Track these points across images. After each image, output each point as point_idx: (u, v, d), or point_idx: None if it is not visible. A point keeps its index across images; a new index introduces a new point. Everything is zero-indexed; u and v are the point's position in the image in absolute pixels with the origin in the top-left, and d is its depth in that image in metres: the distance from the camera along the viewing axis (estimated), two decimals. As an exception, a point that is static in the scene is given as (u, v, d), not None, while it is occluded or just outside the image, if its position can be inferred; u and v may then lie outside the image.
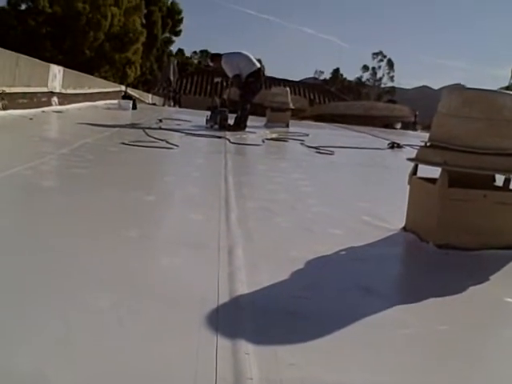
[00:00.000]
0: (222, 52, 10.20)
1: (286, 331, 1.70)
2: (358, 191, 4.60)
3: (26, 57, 9.50)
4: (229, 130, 9.47)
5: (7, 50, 8.67)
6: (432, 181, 2.86)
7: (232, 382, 1.35)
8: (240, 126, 10.08)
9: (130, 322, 1.64)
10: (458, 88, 3.01)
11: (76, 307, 1.71)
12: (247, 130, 9.96)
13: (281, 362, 1.47)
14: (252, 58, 10.21)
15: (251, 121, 10.68)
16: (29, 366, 1.33)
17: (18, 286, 1.84)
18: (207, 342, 1.54)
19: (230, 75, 10.05)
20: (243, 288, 1.99)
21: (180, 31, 40.04)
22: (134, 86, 28.33)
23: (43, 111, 9.21)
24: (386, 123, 20.17)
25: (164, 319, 1.70)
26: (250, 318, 1.76)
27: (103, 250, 2.32)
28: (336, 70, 71.76)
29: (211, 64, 10.58)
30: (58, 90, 10.75)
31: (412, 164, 3.07)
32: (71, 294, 1.82)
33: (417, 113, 23.92)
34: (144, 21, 32.09)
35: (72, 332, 1.54)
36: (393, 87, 68.62)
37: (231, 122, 10.05)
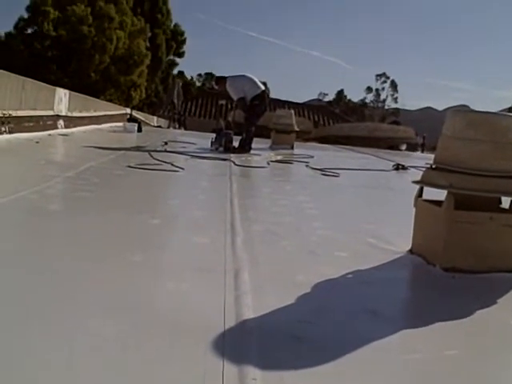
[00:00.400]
0: (226, 74, 10.29)
1: (292, 356, 1.69)
2: (363, 213, 4.58)
3: (32, 80, 9.58)
4: (234, 153, 9.51)
5: (13, 74, 8.74)
6: (438, 203, 2.86)
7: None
8: (245, 148, 10.12)
9: (135, 348, 1.64)
10: (462, 110, 3.01)
11: (80, 333, 1.70)
12: (252, 152, 10.00)
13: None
14: (257, 80, 10.29)
15: (256, 143, 10.71)
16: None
17: (21, 311, 1.84)
18: (214, 367, 1.53)
19: (235, 98, 10.11)
20: (249, 312, 1.98)
21: (183, 53, 40.40)
22: (139, 109, 28.53)
23: (49, 134, 9.27)
24: (391, 145, 20.21)
25: (170, 345, 1.69)
26: (257, 343, 1.75)
27: (108, 275, 2.32)
28: (340, 92, 72.21)
29: (216, 87, 10.64)
30: (63, 113, 10.83)
31: (417, 186, 3.07)
32: (75, 319, 1.81)
33: (425, 135, 24.01)
34: (148, 44, 32.40)
35: (76, 359, 1.53)
36: (397, 108, 68.91)
37: (236, 144, 10.11)
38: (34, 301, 1.94)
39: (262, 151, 10.35)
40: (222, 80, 10.31)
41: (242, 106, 10.16)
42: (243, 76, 10.21)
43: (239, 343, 1.73)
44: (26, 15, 28.58)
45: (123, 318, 1.85)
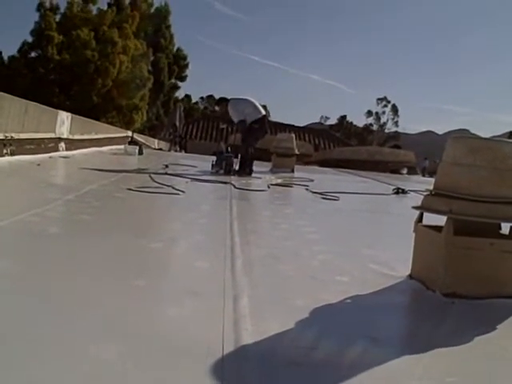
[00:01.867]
0: (228, 97, 10.40)
1: (291, 381, 1.69)
2: (363, 237, 4.58)
3: (35, 103, 9.64)
4: (234, 175, 9.55)
5: (16, 97, 8.80)
6: (438, 229, 2.86)
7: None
8: (245, 170, 10.16)
9: (134, 373, 1.63)
10: (462, 137, 3.02)
11: (80, 358, 1.70)
12: (253, 175, 10.04)
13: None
14: (258, 105, 10.38)
15: (257, 166, 10.75)
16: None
17: (20, 335, 1.83)
18: None
19: (235, 120, 10.18)
20: (248, 337, 1.98)
21: (186, 77, 40.75)
22: (141, 132, 28.65)
23: (50, 157, 9.30)
24: (392, 168, 20.26)
25: (170, 370, 1.68)
26: (256, 369, 1.75)
27: (108, 299, 2.31)
28: (343, 117, 72.62)
29: (217, 108, 10.71)
30: (65, 136, 10.87)
31: (417, 211, 3.07)
32: (75, 344, 1.80)
33: (426, 159, 24.06)
34: (151, 67, 32.68)
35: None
36: (397, 132, 69.24)
37: (237, 167, 10.15)
38: (33, 324, 1.93)
39: (262, 174, 10.38)
40: (223, 102, 10.43)
41: (242, 129, 10.23)
42: (245, 100, 10.29)
43: (238, 368, 1.73)
44: (30, 39, 28.87)
45: (122, 343, 1.84)
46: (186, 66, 40.31)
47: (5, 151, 7.63)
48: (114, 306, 2.23)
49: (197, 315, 2.21)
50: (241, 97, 10.41)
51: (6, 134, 7.72)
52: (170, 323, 2.09)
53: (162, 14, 37.28)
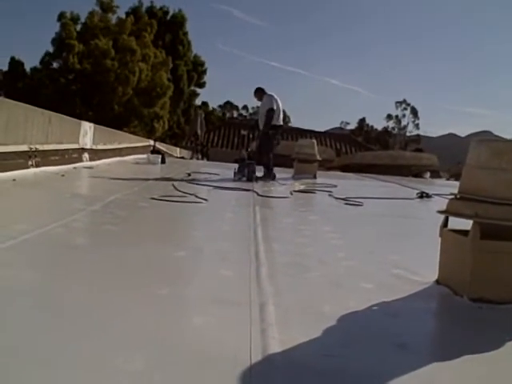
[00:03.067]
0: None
1: None
2: (388, 243, 4.56)
3: (58, 114, 9.77)
4: (257, 182, 9.58)
5: (40, 109, 8.93)
6: (464, 233, 2.84)
7: None
8: (268, 177, 10.23)
9: (162, 383, 1.64)
10: (486, 139, 2.99)
11: (108, 369, 1.71)
12: (275, 182, 10.06)
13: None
14: (281, 116, 10.62)
15: (278, 172, 10.77)
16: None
17: (47, 346, 1.85)
18: None
19: (266, 108, 10.37)
20: (275, 345, 1.97)
21: (204, 83, 41.07)
22: (162, 140, 28.86)
23: (74, 167, 9.40)
24: (415, 172, 20.11)
25: (197, 379, 1.69)
26: (284, 377, 1.75)
27: (134, 308, 2.33)
28: (362, 120, 72.40)
29: (254, 97, 10.90)
30: (88, 146, 11.00)
31: (442, 215, 3.05)
32: (102, 355, 1.82)
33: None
34: (170, 75, 32.89)
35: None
36: (418, 135, 68.70)
37: (259, 174, 10.20)
38: (60, 336, 1.95)
39: (284, 181, 10.38)
40: (260, 91, 10.71)
41: (270, 118, 10.31)
42: (278, 104, 10.49)
43: (266, 377, 1.73)
44: (51, 49, 29.29)
45: (149, 353, 1.85)
46: (204, 72, 40.64)
47: (30, 163, 7.73)
48: (140, 316, 2.24)
49: (223, 324, 2.22)
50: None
51: (31, 146, 7.83)
52: (196, 332, 2.10)
53: (178, 20, 37.58)
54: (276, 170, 10.79)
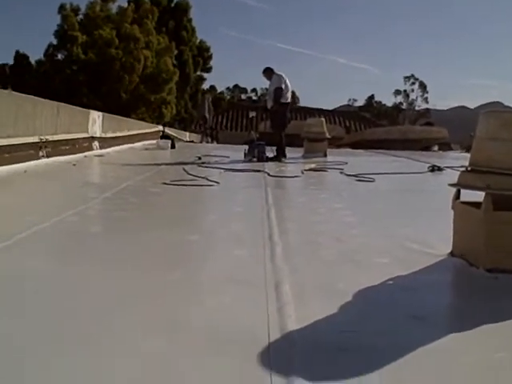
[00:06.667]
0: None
1: (338, 366, 1.69)
2: (401, 218, 4.55)
3: (67, 105, 9.81)
4: (267, 162, 9.59)
5: (48, 100, 8.97)
6: (476, 205, 2.83)
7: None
8: (279, 156, 10.24)
9: (183, 364, 1.66)
10: (495, 111, 2.96)
11: (126, 351, 1.74)
12: (285, 161, 10.06)
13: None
14: (289, 93, 10.58)
15: (289, 152, 10.77)
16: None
17: (70, 332, 1.88)
18: (261, 380, 1.55)
19: (275, 87, 10.39)
20: (293, 323, 1.98)
21: (211, 68, 40.92)
22: (171, 125, 28.84)
23: (85, 156, 9.46)
24: (425, 146, 20.01)
25: (217, 359, 1.71)
26: (303, 354, 1.76)
27: (151, 291, 2.36)
28: (370, 97, 72.00)
29: (263, 75, 10.91)
30: (98, 135, 11.04)
31: (454, 188, 3.04)
32: (123, 339, 1.84)
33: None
34: (175, 61, 32.80)
35: (122, 378, 1.56)
36: (427, 109, 68.19)
37: (269, 154, 10.20)
38: (75, 321, 1.99)
39: (295, 160, 10.38)
40: (269, 71, 10.72)
41: (278, 96, 10.32)
42: (286, 83, 10.50)
43: (285, 354, 1.74)
44: (54, 41, 29.31)
45: (169, 335, 1.87)
46: (210, 57, 40.49)
47: (41, 153, 7.79)
48: (158, 298, 2.27)
49: (240, 304, 2.23)
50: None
51: (41, 137, 7.88)
52: (213, 312, 2.12)
53: (183, 7, 37.42)
54: (286, 149, 10.78)
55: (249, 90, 72.11)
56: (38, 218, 3.69)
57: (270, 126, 11.22)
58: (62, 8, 29.18)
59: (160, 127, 19.41)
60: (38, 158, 7.66)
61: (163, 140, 14.47)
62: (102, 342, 1.81)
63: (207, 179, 6.49)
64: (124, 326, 1.96)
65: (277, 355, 1.73)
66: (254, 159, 9.99)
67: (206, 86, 44.21)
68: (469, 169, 2.94)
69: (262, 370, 1.61)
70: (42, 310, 2.09)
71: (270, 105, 10.70)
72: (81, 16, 29.95)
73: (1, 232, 3.30)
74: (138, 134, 15.13)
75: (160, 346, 1.77)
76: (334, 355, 1.77)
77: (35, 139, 7.71)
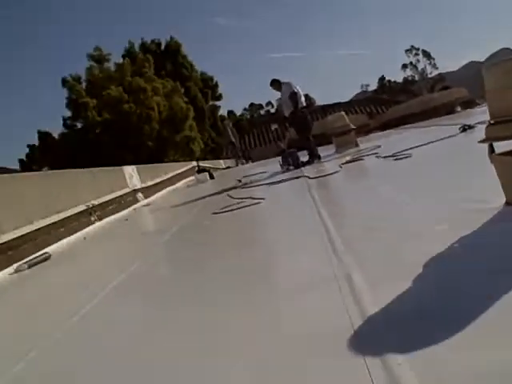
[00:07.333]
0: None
1: (430, 335, 1.71)
2: (448, 182, 4.53)
3: (101, 168, 10.20)
4: (304, 167, 9.72)
5: (84, 169, 9.37)
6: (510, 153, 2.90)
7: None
8: (313, 159, 10.35)
9: (286, 364, 1.80)
10: (494, 63, 3.00)
11: (237, 357, 1.91)
12: (321, 161, 10.17)
13: (434, 365, 1.53)
14: (302, 97, 10.68)
15: (321, 151, 10.82)
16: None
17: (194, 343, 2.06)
18: (357, 366, 1.64)
19: (288, 94, 10.53)
20: (373, 307, 2.02)
21: (220, 95, 41.72)
22: (204, 158, 29.22)
23: (134, 209, 9.74)
24: (449, 110, 19.84)
25: (312, 352, 1.83)
26: (390, 332, 1.81)
27: (239, 302, 2.57)
28: (382, 78, 71.47)
29: (271, 87, 11.05)
30: (139, 186, 11.35)
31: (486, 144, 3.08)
32: (231, 346, 2.03)
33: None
34: (185, 98, 33.38)
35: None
36: (439, 74, 67.26)
37: (303, 159, 10.34)
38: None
39: (329, 158, 10.45)
40: (276, 82, 10.90)
41: (296, 101, 10.45)
42: (297, 88, 10.67)
43: (372, 336, 1.82)
44: (68, 113, 30.46)
45: (260, 337, 2.04)
46: (216, 85, 41.23)
47: (93, 218, 8.10)
48: (245, 306, 2.48)
49: (319, 302, 2.30)
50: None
51: (88, 204, 8.20)
52: (296, 313, 2.25)
53: (173, 47, 38.23)
54: (318, 149, 10.84)
55: (264, 105, 72.50)
56: (110, 278, 3.85)
57: (294, 132, 11.34)
58: (64, 81, 30.40)
59: (194, 163, 19.71)
60: (92, 223, 7.97)
61: (201, 174, 14.73)
62: (210, 347, 2.02)
63: (252, 198, 6.61)
64: (232, 332, 2.17)
65: (365, 338, 1.82)
66: (291, 167, 10.10)
67: (223, 112, 44.73)
68: (492, 122, 2.99)
69: (356, 357, 1.69)
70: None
71: (287, 113, 10.78)
72: (84, 83, 31.01)
73: (87, 293, 3.51)
74: (176, 175, 15.44)
75: (264, 352, 1.93)
76: (420, 330, 1.79)
77: (83, 207, 8.03)
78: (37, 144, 32.56)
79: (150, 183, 12.31)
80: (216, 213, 6.17)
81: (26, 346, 2.71)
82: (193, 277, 3.45)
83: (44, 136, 31.95)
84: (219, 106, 42.18)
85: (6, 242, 5.64)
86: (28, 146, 34.14)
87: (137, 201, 10.68)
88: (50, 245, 6.34)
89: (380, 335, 1.81)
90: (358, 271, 2.53)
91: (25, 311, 3.67)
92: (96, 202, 8.56)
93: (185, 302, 2.94)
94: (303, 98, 10.80)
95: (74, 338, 2.75)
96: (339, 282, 2.44)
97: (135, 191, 10.99)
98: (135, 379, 2.02)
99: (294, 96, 10.43)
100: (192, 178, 15.33)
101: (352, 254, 2.89)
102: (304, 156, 10.61)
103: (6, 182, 6.45)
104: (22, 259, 5.56)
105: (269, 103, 71.09)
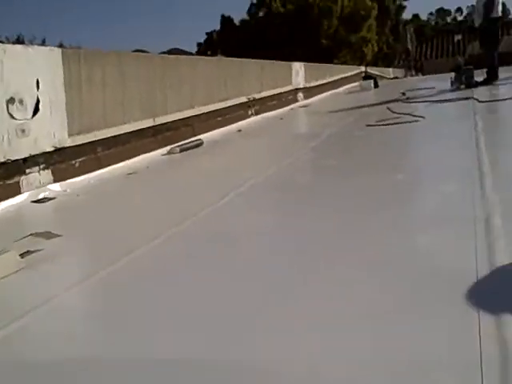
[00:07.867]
0: None
1: None
2: None
3: (270, 61, 10.13)
4: (476, 88, 9.03)
5: (252, 60, 9.37)
6: None
7: (498, 356, 1.31)
8: (490, 79, 9.54)
9: (394, 300, 1.71)
10: None
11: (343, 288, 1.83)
12: (497, 83, 9.37)
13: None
14: (500, 6, 9.60)
15: (502, 72, 9.95)
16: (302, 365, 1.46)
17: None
18: (469, 317, 1.53)
19: (484, 0, 9.48)
20: (503, 258, 1.90)
21: (409, -6, 38.93)
22: (374, 64, 28.28)
23: (291, 109, 9.74)
24: None
25: (424, 297, 1.72)
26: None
27: (362, 234, 2.39)
28: None
29: None
30: (301, 86, 11.25)
31: None
32: (338, 275, 1.94)
33: None
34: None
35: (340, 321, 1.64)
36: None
37: (478, 78, 9.58)
38: (300, 258, 2.10)
39: (509, 81, 9.60)
40: None
41: (489, 10, 9.43)
42: None
43: (493, 291, 1.70)
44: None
45: (382, 274, 1.91)
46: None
47: (250, 112, 8.22)
48: (369, 238, 2.32)
49: (448, 241, 2.18)
50: None
51: (249, 97, 8.29)
52: (421, 250, 2.13)
53: None
54: (498, 70, 9.97)
55: (453, 11, 67.64)
56: (252, 173, 3.92)
57: (478, 47, 10.41)
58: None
59: (362, 68, 19.17)
60: (248, 117, 8.09)
61: (366, 81, 14.31)
62: (324, 281, 1.91)
63: (411, 115, 6.32)
64: (338, 262, 2.06)
65: (485, 291, 1.69)
66: (462, 86, 9.46)
67: (407, 15, 42.34)
68: None
69: (470, 308, 1.59)
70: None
71: (477, 22, 9.79)
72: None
73: (222, 187, 3.56)
74: (340, 79, 15.10)
75: (376, 282, 1.85)
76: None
77: (243, 99, 8.13)
78: (217, 29, 33.25)
79: (312, 84, 12.13)
80: (370, 125, 5.98)
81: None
82: (330, 189, 3.37)
83: (226, 21, 32.41)
84: (405, 7, 39.71)
85: (166, 123, 5.82)
86: (206, 33, 35.07)
87: (296, 100, 10.63)
88: (205, 132, 6.49)
89: (502, 291, 1.69)
90: (500, 216, 2.34)
91: (173, 192, 3.79)
92: (257, 96, 8.62)
93: (320, 211, 2.88)
94: (500, 7, 9.67)
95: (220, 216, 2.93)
96: (477, 224, 2.28)
97: (297, 90, 10.91)
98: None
99: (489, 4, 9.37)
100: (356, 83, 14.92)
101: (500, 195, 2.67)
102: (480, 76, 9.80)
103: (174, 63, 6.58)
104: (177, 142, 5.74)
105: (458, 9, 66.25)
